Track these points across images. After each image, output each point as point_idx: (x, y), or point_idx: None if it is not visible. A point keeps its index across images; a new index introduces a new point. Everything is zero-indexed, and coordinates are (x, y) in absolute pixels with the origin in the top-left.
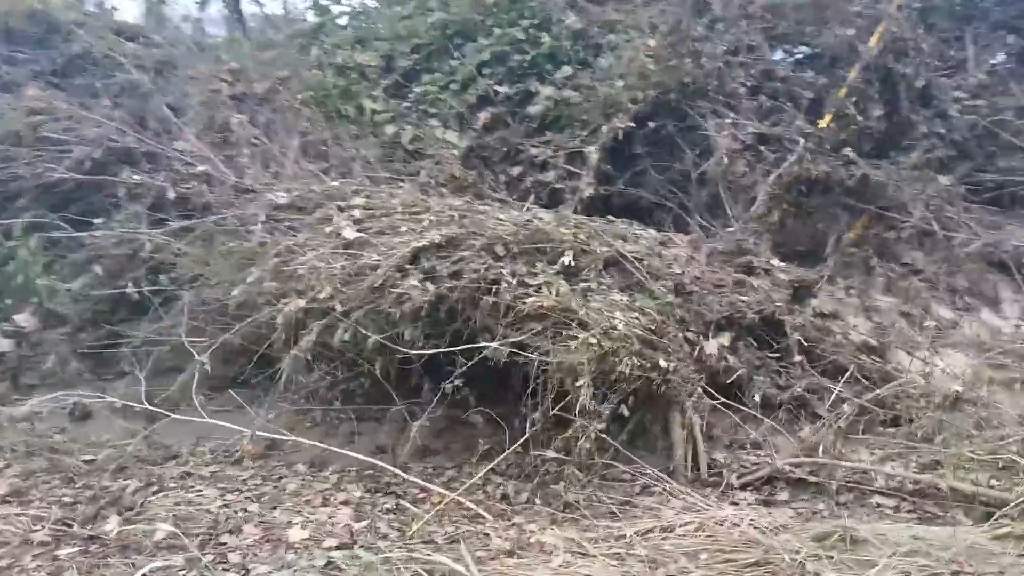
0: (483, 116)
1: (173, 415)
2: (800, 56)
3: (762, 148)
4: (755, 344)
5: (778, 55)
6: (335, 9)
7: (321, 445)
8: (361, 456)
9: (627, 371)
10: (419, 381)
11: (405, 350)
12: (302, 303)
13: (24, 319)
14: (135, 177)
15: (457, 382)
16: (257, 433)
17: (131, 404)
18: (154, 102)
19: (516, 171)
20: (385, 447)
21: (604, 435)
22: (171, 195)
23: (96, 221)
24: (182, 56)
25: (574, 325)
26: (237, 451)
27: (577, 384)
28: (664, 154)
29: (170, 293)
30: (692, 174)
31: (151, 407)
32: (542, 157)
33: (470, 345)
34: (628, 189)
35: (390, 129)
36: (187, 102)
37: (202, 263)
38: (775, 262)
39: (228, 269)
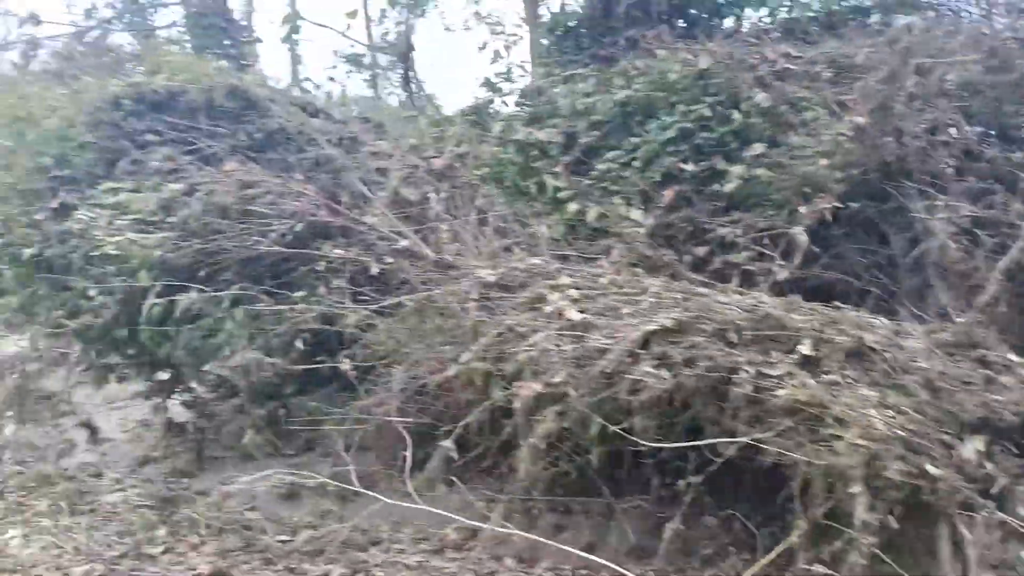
0: (668, 194)
1: (383, 498)
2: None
3: (979, 233)
4: (1014, 450)
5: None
6: (506, 87)
7: (534, 537)
8: (579, 552)
9: (894, 477)
10: (634, 473)
11: (642, 442)
12: (538, 387)
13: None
14: (336, 251)
15: (693, 479)
16: (464, 522)
17: (330, 483)
18: (347, 177)
19: (702, 251)
20: (594, 543)
21: (876, 549)
22: (375, 270)
23: (297, 294)
24: (362, 132)
25: (829, 422)
26: (440, 539)
27: (849, 491)
28: (864, 236)
29: (359, 369)
30: (899, 258)
31: (362, 489)
32: (731, 237)
33: (720, 440)
34: (826, 272)
35: (573, 207)
36: (371, 177)
37: (407, 340)
38: (1013, 357)
39: (433, 347)
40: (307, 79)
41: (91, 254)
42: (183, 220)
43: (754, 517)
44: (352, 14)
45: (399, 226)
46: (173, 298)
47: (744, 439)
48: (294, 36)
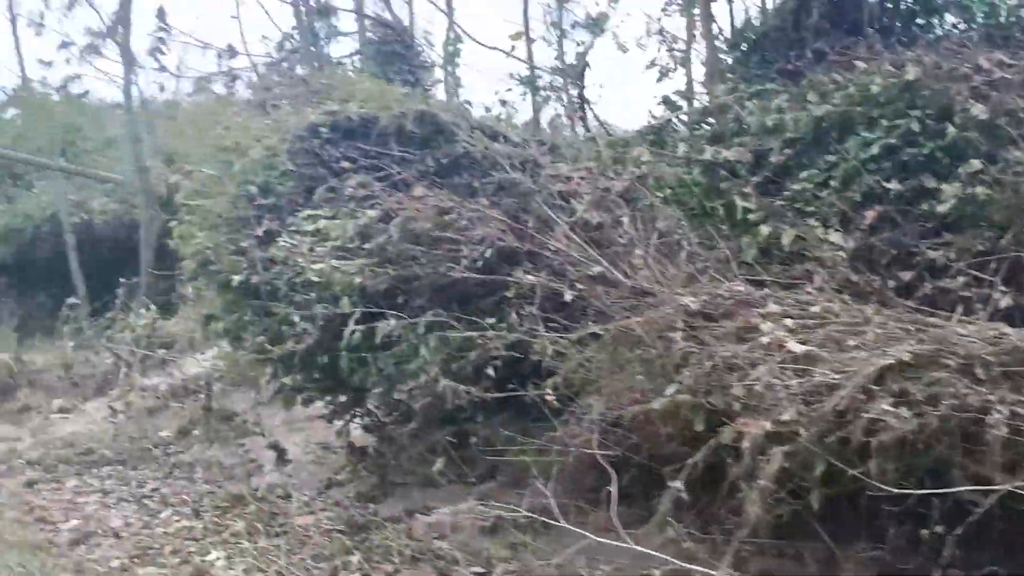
0: (870, 215)
1: (589, 535)
2: None
3: None
4: None
5: None
6: (686, 104)
7: None
8: None
9: None
10: (857, 517)
11: (886, 488)
12: (767, 425)
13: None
14: (529, 277)
15: (940, 529)
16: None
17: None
18: (532, 201)
19: (908, 276)
20: None
21: None
22: (568, 297)
23: (488, 321)
24: (540, 155)
25: None
26: None
27: None
28: None
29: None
30: None
31: (566, 524)
32: (941, 261)
33: (975, 488)
34: None
35: (765, 229)
36: (553, 201)
37: (603, 370)
38: None
39: (631, 378)
40: (467, 102)
41: (294, 280)
42: (380, 246)
43: (1003, 569)
44: (517, 36)
45: (589, 251)
46: (372, 324)
47: (1004, 487)
48: (455, 60)
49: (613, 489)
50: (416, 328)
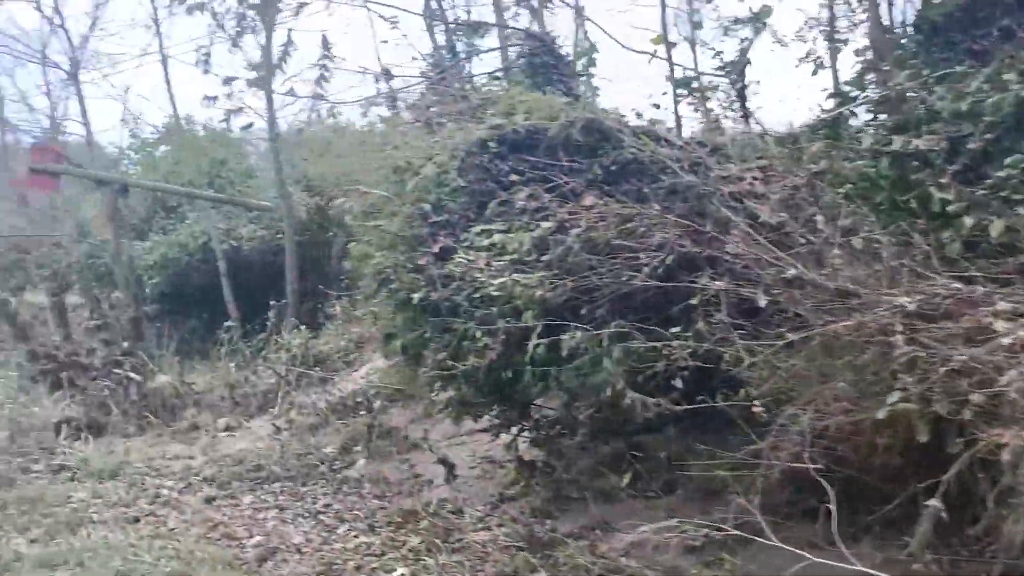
0: None
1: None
2: None
3: None
4: None
5: None
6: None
7: None
8: None
9: None
10: None
11: None
12: None
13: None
14: (717, 283)
15: None
16: None
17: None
18: (707, 204)
19: None
20: None
21: None
22: (762, 302)
23: (673, 330)
24: (705, 156)
25: None
26: None
27: None
28: None
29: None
30: None
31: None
32: None
33: None
34: None
35: (968, 221)
36: (726, 202)
37: (809, 378)
38: None
39: (839, 387)
40: (606, 109)
41: (473, 296)
42: (559, 257)
43: None
44: (658, 39)
45: (777, 253)
46: (555, 337)
47: None
48: (590, 69)
49: (832, 506)
50: (600, 340)
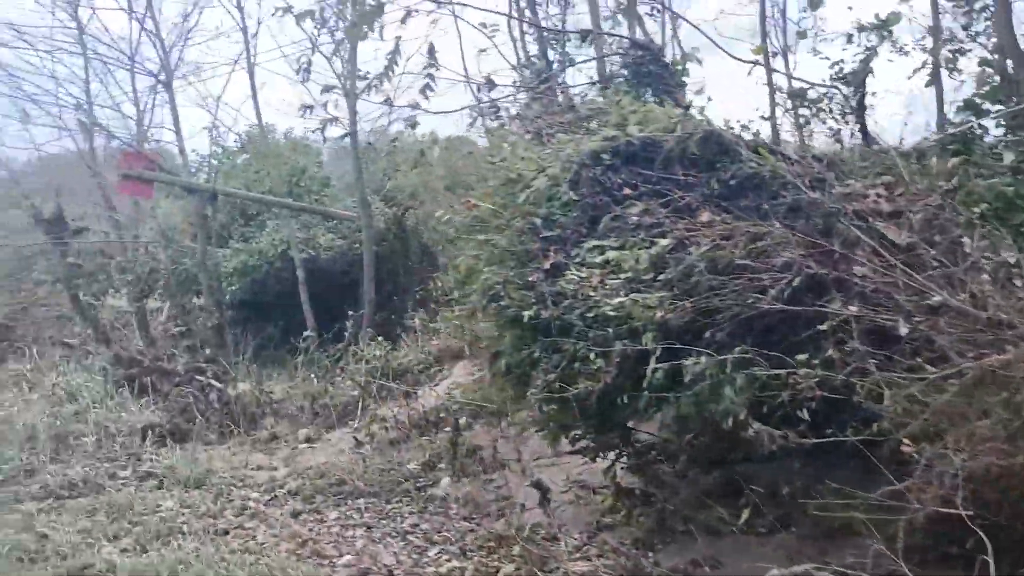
0: None
1: None
2: None
3: None
4: None
5: None
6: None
7: None
8: None
9: None
10: None
11: None
12: None
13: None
14: (851, 308)
15: None
16: None
17: None
18: (836, 222)
19: None
20: None
21: None
22: (903, 331)
23: (799, 357)
24: (823, 172)
25: None
26: None
27: None
28: None
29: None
30: None
31: None
32: None
33: None
34: None
35: None
36: (852, 221)
37: (961, 416)
38: None
39: (995, 426)
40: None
41: (586, 315)
42: (679, 277)
43: None
44: (759, 50)
45: (912, 276)
46: (677, 362)
47: None
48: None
49: (989, 557)
50: (724, 366)
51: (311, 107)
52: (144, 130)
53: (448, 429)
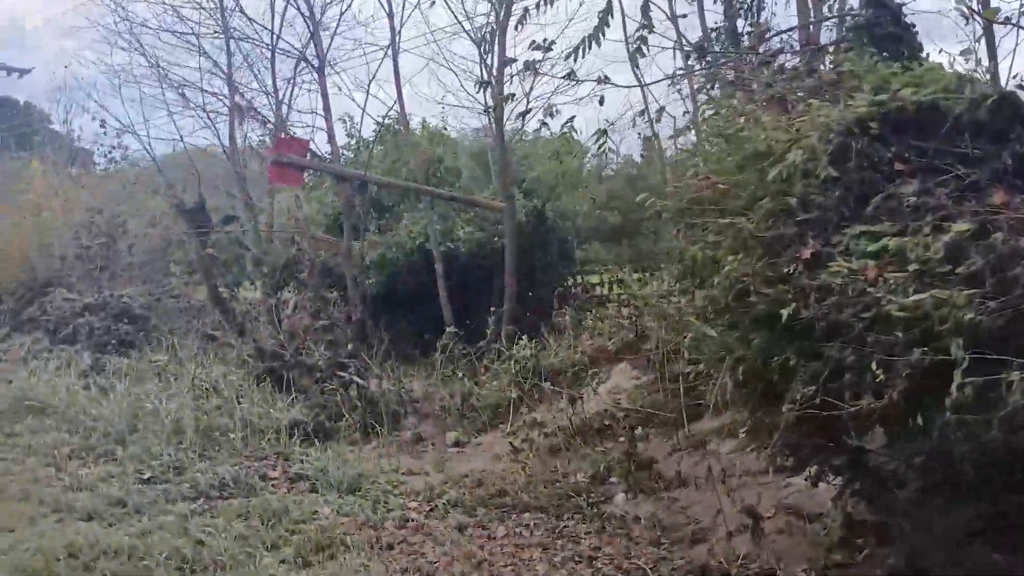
0: None
1: None
2: None
3: None
4: None
5: None
6: None
7: None
8: None
9: None
10: None
11: None
12: None
13: None
14: None
15: None
16: None
17: None
18: None
19: None
20: None
21: None
22: None
23: None
24: None
25: None
26: None
27: None
28: None
29: None
30: None
31: None
32: None
33: None
34: None
35: None
36: None
37: None
38: None
39: None
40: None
41: (863, 316)
42: (993, 269)
43: None
44: (992, 12)
45: None
46: (994, 376)
47: None
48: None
49: None
50: None
51: (488, 83)
52: (282, 118)
53: (622, 439)
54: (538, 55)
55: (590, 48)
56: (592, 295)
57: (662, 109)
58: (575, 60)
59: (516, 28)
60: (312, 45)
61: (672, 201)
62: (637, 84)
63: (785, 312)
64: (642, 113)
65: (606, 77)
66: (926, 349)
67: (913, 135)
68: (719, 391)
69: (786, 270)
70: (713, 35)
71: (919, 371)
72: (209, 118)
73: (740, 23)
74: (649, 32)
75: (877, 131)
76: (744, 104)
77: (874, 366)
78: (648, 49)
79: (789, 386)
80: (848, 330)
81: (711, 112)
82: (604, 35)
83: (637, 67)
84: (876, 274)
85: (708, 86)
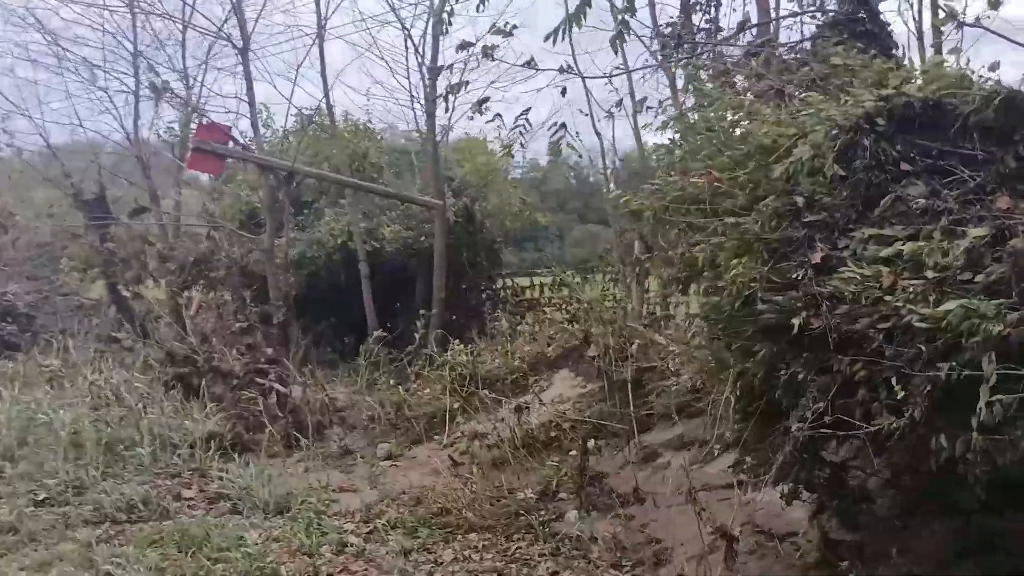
0: None
1: None
2: None
3: None
4: None
5: None
6: None
7: None
8: None
9: None
10: None
11: None
12: None
13: None
14: None
15: None
16: None
17: None
18: None
19: None
20: None
21: None
22: None
23: None
24: None
25: None
26: None
27: None
28: None
29: None
30: None
31: None
32: None
33: None
34: None
35: None
36: None
37: None
38: None
39: None
40: None
41: (878, 325)
42: (1019, 276)
43: None
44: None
45: None
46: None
47: None
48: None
49: None
50: None
51: (471, 44)
52: (200, 102)
53: (572, 452)
54: (498, 39)
55: (570, 29)
56: (523, 298)
57: (643, 100)
58: (553, 43)
59: (477, 9)
60: (236, 24)
61: (651, 200)
62: (576, 74)
63: (796, 321)
64: (619, 104)
65: (533, 60)
66: (953, 364)
67: (919, 133)
68: (722, 407)
69: (794, 275)
70: (668, 28)
71: (941, 387)
72: (112, 100)
73: (696, 17)
74: (632, 16)
75: (883, 128)
76: (735, 97)
77: (894, 381)
78: (629, 34)
79: (796, 402)
80: (864, 342)
81: (704, 105)
82: (585, 17)
83: (616, 54)
84: (892, 281)
85: (693, 79)
